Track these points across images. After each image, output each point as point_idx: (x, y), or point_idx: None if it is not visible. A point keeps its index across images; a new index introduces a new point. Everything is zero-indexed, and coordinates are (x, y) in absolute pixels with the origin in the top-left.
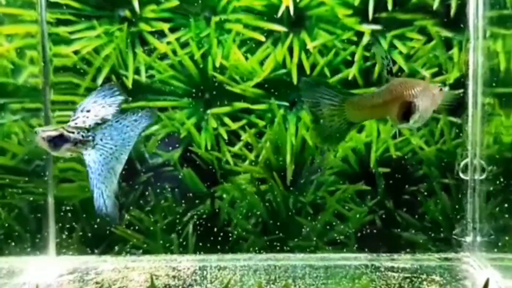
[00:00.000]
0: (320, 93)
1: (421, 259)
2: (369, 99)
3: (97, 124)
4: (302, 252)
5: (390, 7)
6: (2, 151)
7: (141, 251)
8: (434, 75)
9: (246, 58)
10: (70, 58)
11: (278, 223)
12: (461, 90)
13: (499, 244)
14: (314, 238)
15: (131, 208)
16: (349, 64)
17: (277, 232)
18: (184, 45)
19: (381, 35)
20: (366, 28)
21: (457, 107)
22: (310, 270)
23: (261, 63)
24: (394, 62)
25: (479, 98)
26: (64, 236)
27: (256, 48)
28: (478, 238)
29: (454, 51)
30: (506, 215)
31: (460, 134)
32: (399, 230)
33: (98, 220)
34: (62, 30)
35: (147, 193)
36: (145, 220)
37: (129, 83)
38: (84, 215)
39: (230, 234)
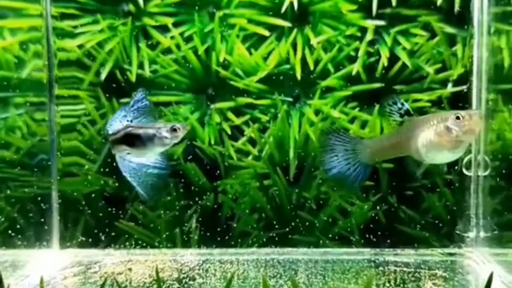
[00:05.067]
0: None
1: (424, 254)
2: (381, 141)
3: None
4: (305, 246)
5: (394, 2)
6: (6, 145)
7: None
8: (438, 71)
9: (250, 53)
10: (74, 52)
11: (281, 218)
12: (465, 86)
13: (502, 239)
14: (317, 233)
15: (134, 202)
16: (352, 59)
17: (280, 226)
18: (188, 39)
19: (385, 31)
20: (370, 23)
21: (461, 103)
22: (313, 264)
23: (265, 58)
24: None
25: (483, 94)
26: (67, 230)
27: (260, 43)
28: (481, 234)
29: (458, 47)
30: (509, 211)
31: None
32: (402, 225)
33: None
34: (66, 24)
35: None
36: (148, 214)
37: (132, 78)
38: (88, 209)
39: (233, 229)
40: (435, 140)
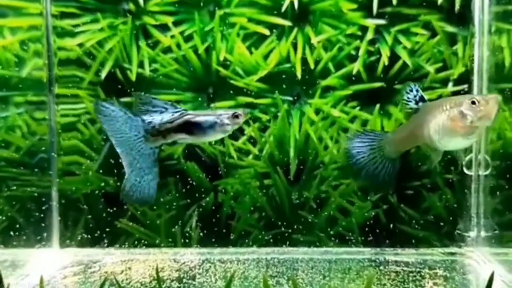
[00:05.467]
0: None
1: (425, 254)
2: (401, 132)
3: None
4: (305, 246)
5: (394, 1)
6: (6, 144)
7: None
8: (439, 70)
9: (250, 52)
10: (74, 51)
11: (282, 217)
12: (466, 85)
13: (503, 239)
14: (318, 232)
15: None
16: (353, 58)
17: (280, 226)
18: (188, 38)
19: (386, 30)
20: (371, 22)
21: None
22: (313, 264)
23: (265, 57)
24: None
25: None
26: (67, 229)
27: (260, 42)
28: (482, 233)
29: (459, 46)
30: (510, 210)
31: None
32: (402, 224)
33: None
34: (66, 23)
35: None
36: (148, 214)
37: (133, 77)
38: (88, 208)
39: (233, 228)
40: (448, 125)
